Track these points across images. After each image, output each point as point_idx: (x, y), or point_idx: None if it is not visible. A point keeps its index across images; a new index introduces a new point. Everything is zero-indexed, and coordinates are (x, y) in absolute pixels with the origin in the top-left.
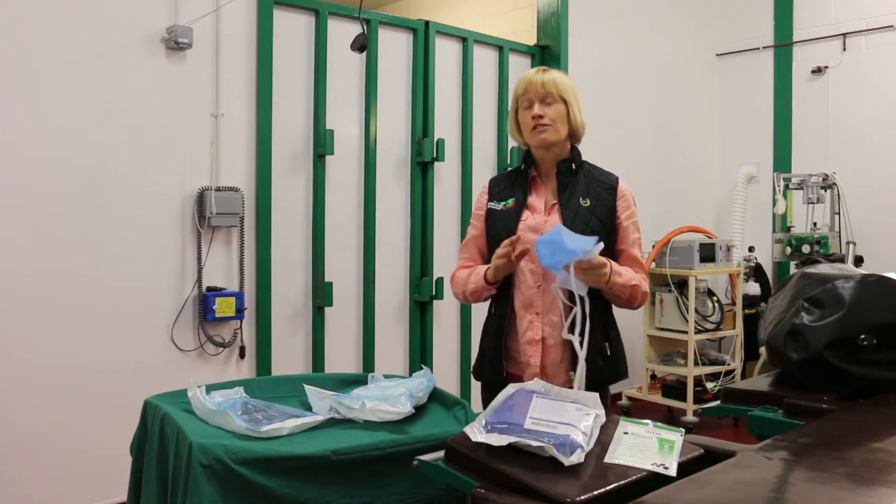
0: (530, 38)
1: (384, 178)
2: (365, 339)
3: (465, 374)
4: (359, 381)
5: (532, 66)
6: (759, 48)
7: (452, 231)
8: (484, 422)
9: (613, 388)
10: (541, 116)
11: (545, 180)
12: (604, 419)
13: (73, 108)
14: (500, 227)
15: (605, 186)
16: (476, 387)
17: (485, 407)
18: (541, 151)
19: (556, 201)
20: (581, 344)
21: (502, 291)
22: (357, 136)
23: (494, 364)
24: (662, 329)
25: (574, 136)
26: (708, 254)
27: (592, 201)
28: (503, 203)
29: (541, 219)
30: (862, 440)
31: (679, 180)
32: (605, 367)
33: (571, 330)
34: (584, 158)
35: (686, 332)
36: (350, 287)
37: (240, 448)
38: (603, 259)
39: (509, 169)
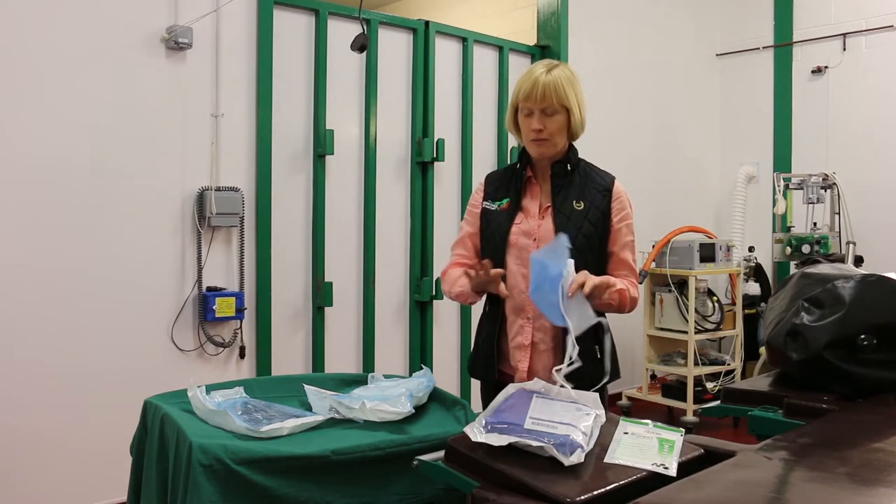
0: (530, 38)
1: (384, 178)
2: (365, 339)
3: (465, 374)
4: (359, 381)
5: None
6: (759, 48)
7: (452, 231)
8: (484, 422)
9: (613, 389)
10: (540, 130)
11: (540, 181)
12: (604, 419)
13: (74, 108)
14: (493, 229)
15: (599, 188)
16: (476, 386)
17: (483, 404)
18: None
19: (549, 204)
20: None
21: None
22: (357, 136)
23: (487, 364)
24: (662, 329)
25: (572, 135)
26: (708, 254)
27: (586, 204)
28: (497, 203)
29: (534, 223)
30: (862, 440)
31: (679, 180)
32: (594, 371)
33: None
34: (581, 156)
35: (686, 332)
36: (350, 287)
37: (240, 448)
38: (581, 277)
39: (506, 165)
